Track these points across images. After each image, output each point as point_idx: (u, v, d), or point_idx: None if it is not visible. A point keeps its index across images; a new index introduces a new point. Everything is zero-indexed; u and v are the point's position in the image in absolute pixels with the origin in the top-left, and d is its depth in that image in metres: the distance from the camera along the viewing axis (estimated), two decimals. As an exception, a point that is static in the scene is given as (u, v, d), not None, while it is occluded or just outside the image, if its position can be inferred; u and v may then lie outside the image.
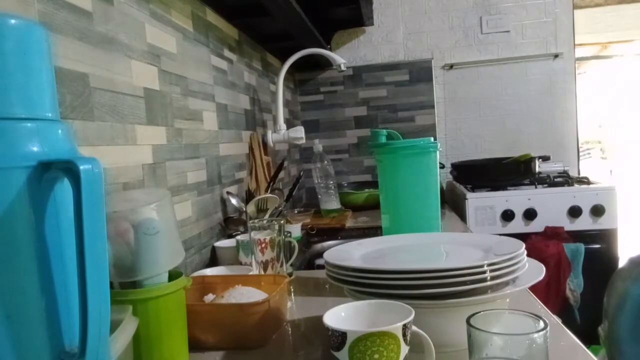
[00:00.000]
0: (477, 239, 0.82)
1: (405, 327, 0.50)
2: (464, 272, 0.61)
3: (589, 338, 0.76)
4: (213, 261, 1.29)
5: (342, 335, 0.50)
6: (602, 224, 2.31)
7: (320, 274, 1.11)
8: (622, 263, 0.45)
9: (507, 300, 0.67)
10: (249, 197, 1.50)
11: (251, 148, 1.73)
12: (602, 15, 3.05)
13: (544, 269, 0.71)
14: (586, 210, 2.31)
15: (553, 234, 1.88)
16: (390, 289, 0.63)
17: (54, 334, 0.40)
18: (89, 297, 0.38)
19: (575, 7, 2.69)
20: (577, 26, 2.69)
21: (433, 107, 2.65)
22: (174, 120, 1.15)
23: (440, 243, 0.85)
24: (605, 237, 2.30)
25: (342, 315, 0.56)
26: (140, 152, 0.99)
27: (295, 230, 1.52)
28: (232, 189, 1.52)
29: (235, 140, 1.60)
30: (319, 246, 1.56)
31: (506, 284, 0.65)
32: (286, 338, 0.78)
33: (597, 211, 2.30)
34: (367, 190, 2.20)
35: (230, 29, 1.64)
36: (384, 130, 1.02)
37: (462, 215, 2.18)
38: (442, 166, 2.64)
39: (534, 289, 0.81)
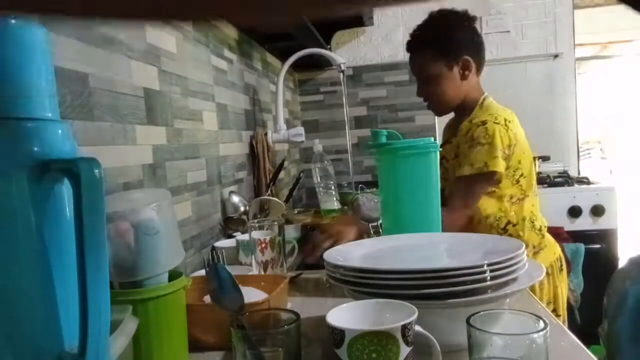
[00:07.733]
0: (477, 239, 0.82)
1: (405, 327, 0.50)
2: (464, 272, 0.61)
3: (589, 338, 0.76)
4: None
5: (340, 333, 0.50)
6: (602, 224, 2.31)
7: (320, 274, 1.11)
8: (622, 263, 0.45)
9: (507, 300, 0.67)
10: (257, 194, 1.50)
11: (255, 147, 1.72)
12: (602, 15, 3.05)
13: (544, 269, 0.71)
14: (586, 210, 2.31)
15: (553, 234, 1.88)
16: (390, 289, 0.63)
17: (54, 334, 0.40)
18: (89, 297, 0.38)
19: (575, 7, 2.69)
20: (577, 26, 2.69)
21: (433, 107, 2.65)
22: (174, 120, 1.15)
23: (440, 243, 0.85)
24: (605, 237, 2.30)
25: (346, 313, 0.56)
26: (140, 152, 0.99)
27: (295, 230, 1.52)
28: (232, 189, 1.52)
29: (235, 140, 1.60)
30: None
31: (506, 284, 0.65)
32: (286, 338, 0.78)
33: (597, 211, 2.30)
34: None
35: (230, 29, 1.64)
36: (384, 130, 1.02)
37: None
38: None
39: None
